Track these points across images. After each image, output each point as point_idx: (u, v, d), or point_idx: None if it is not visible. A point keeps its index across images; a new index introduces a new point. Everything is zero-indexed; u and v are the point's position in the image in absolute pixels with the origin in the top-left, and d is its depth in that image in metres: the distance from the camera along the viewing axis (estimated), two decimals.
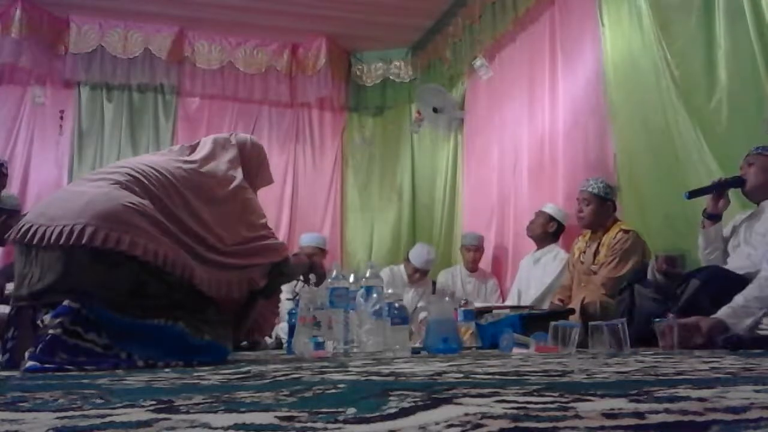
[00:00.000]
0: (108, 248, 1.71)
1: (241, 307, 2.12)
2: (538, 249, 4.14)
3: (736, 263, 2.62)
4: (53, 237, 1.71)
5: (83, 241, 1.69)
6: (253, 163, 2.35)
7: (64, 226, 1.71)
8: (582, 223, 3.57)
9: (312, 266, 2.56)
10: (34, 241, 1.73)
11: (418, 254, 4.87)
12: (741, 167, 2.76)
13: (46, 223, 1.75)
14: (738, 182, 2.74)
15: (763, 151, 2.70)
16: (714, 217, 2.81)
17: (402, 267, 5.02)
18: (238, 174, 2.21)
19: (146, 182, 1.91)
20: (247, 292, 2.09)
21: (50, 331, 1.58)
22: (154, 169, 1.98)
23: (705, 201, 2.81)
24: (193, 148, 2.25)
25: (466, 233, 5.10)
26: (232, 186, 2.14)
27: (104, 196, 1.80)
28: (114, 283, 1.73)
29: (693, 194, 2.81)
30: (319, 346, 2.37)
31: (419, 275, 4.90)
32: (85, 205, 1.76)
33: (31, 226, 1.76)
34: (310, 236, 5.06)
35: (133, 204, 1.81)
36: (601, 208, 3.49)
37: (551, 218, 4.06)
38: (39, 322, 1.63)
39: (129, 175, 1.91)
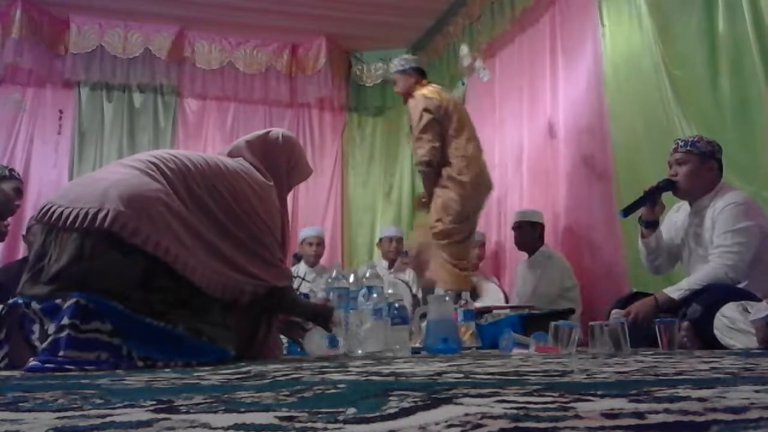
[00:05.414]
0: (121, 235, 1.71)
1: (251, 320, 2.09)
2: (530, 256, 4.18)
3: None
4: (70, 218, 1.72)
5: (96, 225, 1.70)
6: (282, 160, 2.35)
7: (80, 209, 1.73)
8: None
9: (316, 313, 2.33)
10: (52, 220, 1.75)
11: (387, 228, 5.26)
12: (669, 163, 2.72)
13: (65, 204, 1.77)
14: (669, 185, 2.69)
15: (691, 148, 2.65)
16: (652, 225, 2.78)
17: (382, 263, 5.02)
18: (260, 174, 2.20)
19: (166, 170, 1.91)
20: (252, 302, 2.03)
21: (51, 337, 1.58)
22: (177, 157, 1.98)
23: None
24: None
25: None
26: (256, 188, 2.13)
27: (124, 183, 1.80)
28: (125, 273, 1.72)
29: (628, 211, 2.77)
30: (333, 343, 2.36)
31: (395, 244, 5.03)
32: (104, 190, 1.77)
33: (51, 207, 1.78)
34: (309, 228, 5.18)
35: (153, 191, 1.81)
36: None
37: (532, 224, 4.11)
38: (38, 332, 1.63)
39: (151, 162, 1.92)
